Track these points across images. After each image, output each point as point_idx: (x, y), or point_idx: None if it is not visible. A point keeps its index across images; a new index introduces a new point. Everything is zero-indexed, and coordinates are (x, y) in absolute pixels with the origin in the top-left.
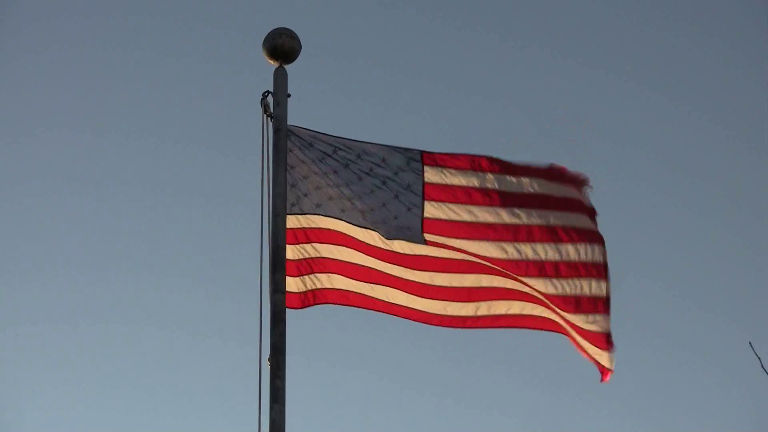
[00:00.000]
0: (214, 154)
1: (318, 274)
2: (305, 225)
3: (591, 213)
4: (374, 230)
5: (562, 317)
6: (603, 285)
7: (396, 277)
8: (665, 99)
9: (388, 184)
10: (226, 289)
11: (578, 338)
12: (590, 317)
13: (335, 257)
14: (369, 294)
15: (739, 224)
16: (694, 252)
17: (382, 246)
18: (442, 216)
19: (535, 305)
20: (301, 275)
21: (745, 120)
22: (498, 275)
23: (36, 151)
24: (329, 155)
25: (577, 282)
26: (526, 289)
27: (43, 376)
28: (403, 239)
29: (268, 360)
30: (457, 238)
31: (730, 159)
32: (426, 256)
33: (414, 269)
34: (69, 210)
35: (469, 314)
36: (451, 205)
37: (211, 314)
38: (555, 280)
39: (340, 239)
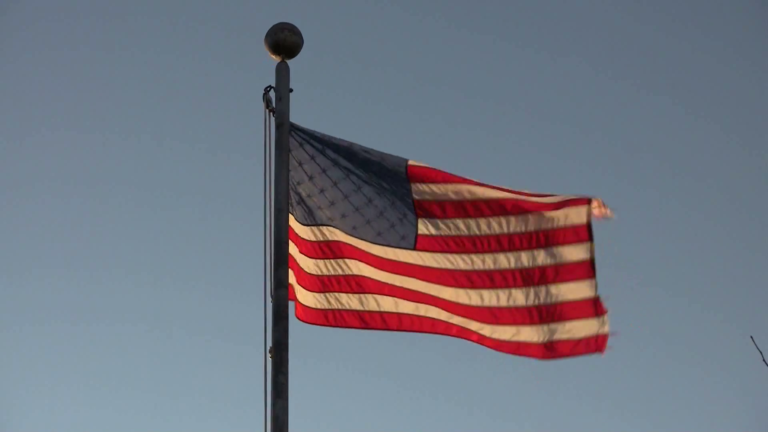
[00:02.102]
0: (216, 150)
1: (316, 293)
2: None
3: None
4: (372, 242)
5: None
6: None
7: (385, 283)
8: (664, 100)
9: (384, 193)
10: (230, 285)
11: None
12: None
13: (336, 273)
14: (368, 309)
15: (740, 219)
16: (694, 248)
17: (380, 255)
18: (433, 231)
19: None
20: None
21: (744, 120)
22: (476, 288)
23: (37, 151)
24: (329, 167)
25: (561, 286)
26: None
27: (46, 374)
28: (396, 248)
29: (270, 352)
30: (446, 252)
31: (730, 158)
32: (415, 265)
33: (405, 276)
34: (71, 208)
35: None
36: (438, 221)
37: (214, 310)
38: (540, 288)
39: (344, 250)
